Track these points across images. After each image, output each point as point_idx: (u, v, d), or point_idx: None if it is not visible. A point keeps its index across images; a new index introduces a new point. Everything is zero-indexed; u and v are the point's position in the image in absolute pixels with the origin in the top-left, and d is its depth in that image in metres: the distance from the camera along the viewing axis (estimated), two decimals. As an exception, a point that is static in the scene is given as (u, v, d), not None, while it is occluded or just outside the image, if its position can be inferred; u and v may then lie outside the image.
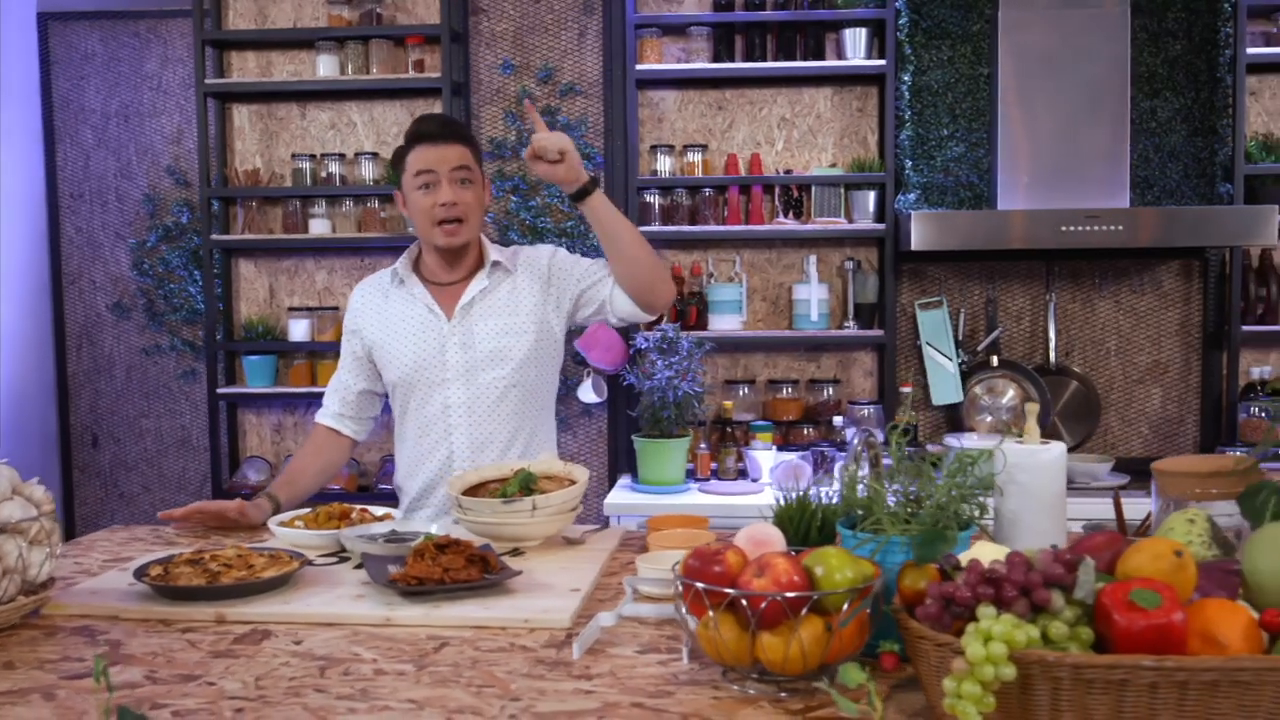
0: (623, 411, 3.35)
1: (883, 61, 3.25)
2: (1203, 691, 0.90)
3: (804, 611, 1.06)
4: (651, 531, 1.70)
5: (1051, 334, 3.34)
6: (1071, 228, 2.93)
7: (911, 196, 3.29)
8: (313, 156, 3.49)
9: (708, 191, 3.35)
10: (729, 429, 3.20)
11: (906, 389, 3.31)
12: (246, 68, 3.57)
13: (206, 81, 3.40)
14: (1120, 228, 2.93)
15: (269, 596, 1.43)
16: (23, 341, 3.59)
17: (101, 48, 3.64)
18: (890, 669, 1.04)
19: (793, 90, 3.43)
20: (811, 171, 3.40)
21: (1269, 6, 3.23)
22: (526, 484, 1.74)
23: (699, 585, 1.09)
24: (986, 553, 1.09)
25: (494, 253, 2.11)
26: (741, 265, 3.45)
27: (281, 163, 3.58)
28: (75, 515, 3.72)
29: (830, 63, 3.29)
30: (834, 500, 1.39)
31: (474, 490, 1.81)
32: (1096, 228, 2.93)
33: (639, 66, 3.30)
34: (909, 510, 1.21)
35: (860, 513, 1.26)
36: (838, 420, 3.24)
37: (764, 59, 3.32)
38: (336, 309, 3.53)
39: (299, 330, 3.46)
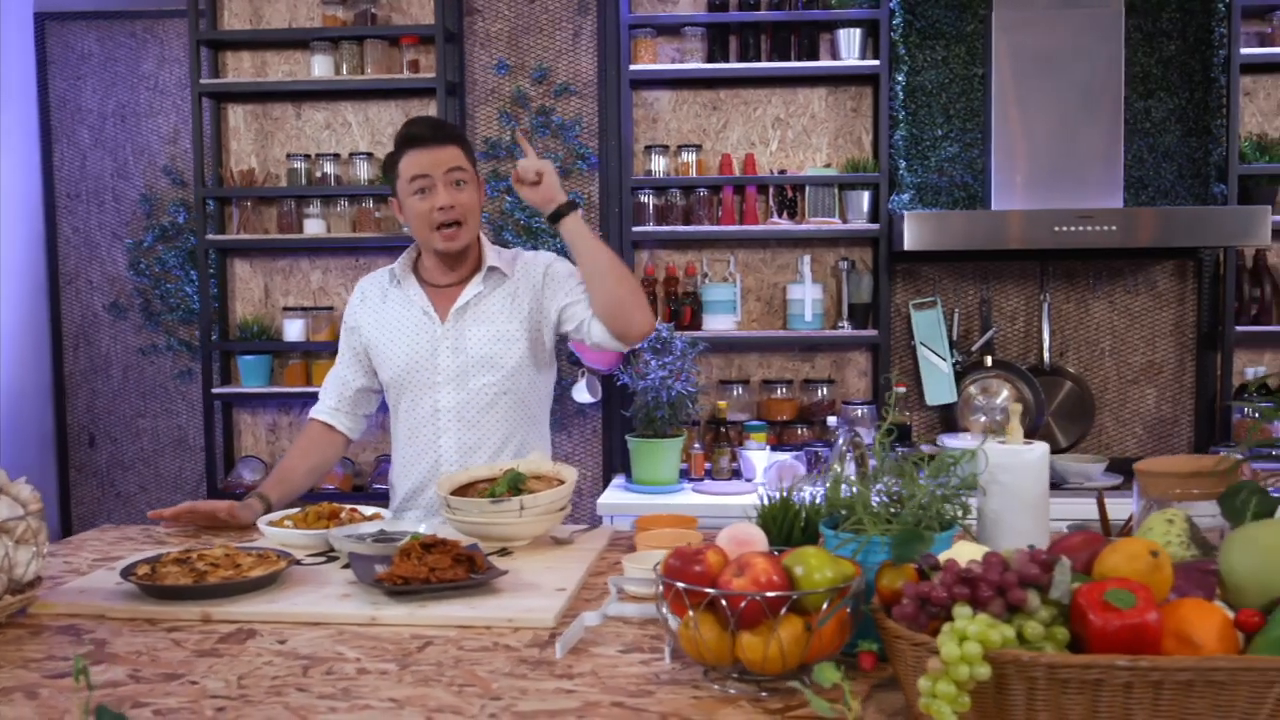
0: (617, 411, 3.35)
1: (877, 62, 3.25)
2: (1178, 691, 0.90)
3: (783, 611, 1.06)
4: (640, 531, 1.71)
5: (1046, 334, 3.34)
6: (1066, 228, 2.93)
7: (906, 197, 3.30)
8: (308, 156, 3.49)
9: (702, 191, 3.36)
10: (723, 429, 3.21)
11: (901, 389, 3.31)
12: (242, 68, 3.57)
13: (202, 81, 3.41)
14: (1114, 228, 2.93)
15: (255, 596, 1.43)
16: (19, 341, 3.60)
17: (98, 48, 3.64)
18: (868, 668, 1.04)
19: (787, 90, 3.43)
20: (806, 172, 3.40)
21: (1263, 7, 3.23)
22: (515, 484, 1.75)
23: (679, 585, 1.10)
24: (966, 552, 1.10)
25: (492, 256, 2.09)
26: (736, 265, 3.46)
27: (276, 163, 3.58)
28: (72, 515, 3.73)
29: (824, 63, 3.30)
30: (818, 500, 1.39)
31: (463, 490, 1.81)
32: (1091, 228, 2.93)
33: (633, 67, 3.30)
34: (891, 510, 1.22)
35: (844, 512, 1.26)
36: (832, 420, 3.24)
37: (758, 59, 3.33)
38: (331, 309, 3.54)
39: (294, 330, 3.47)
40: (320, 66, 3.41)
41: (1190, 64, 3.27)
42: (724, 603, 1.07)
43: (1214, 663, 0.89)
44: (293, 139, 3.58)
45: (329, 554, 1.68)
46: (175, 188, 3.64)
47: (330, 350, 3.42)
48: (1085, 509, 2.58)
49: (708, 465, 3.16)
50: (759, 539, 1.25)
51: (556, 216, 2.01)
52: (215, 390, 3.48)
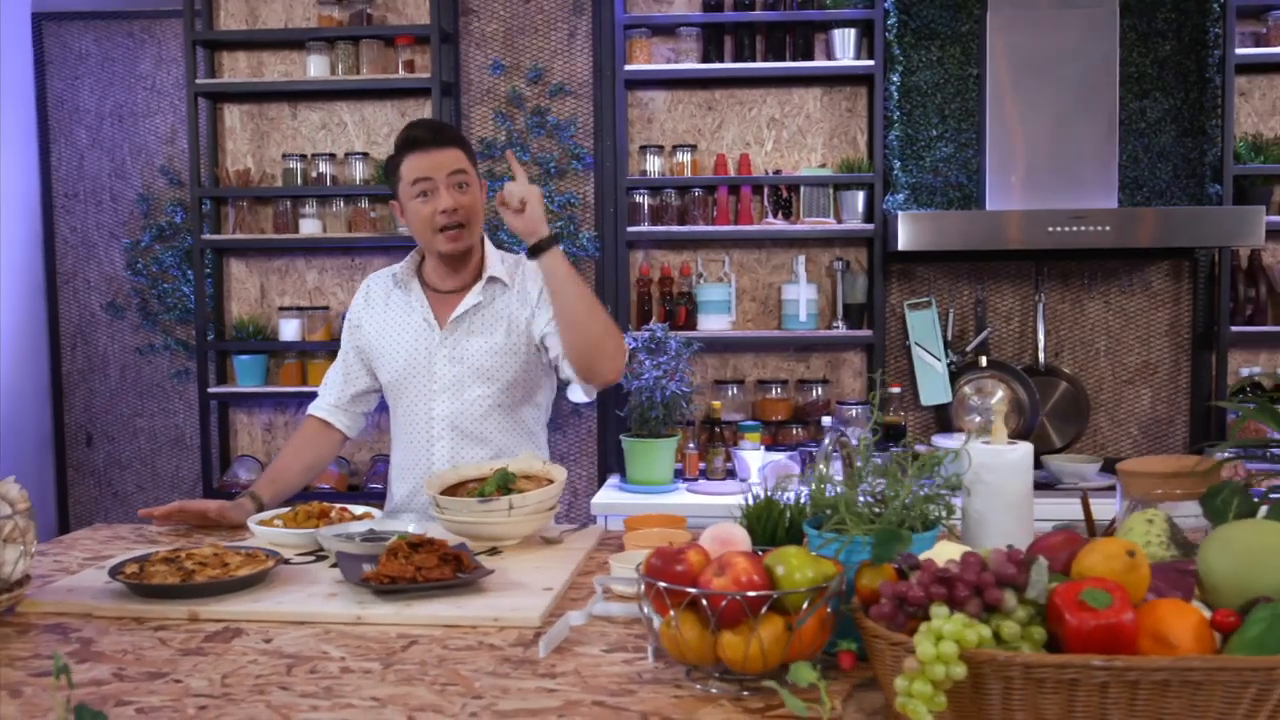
0: (612, 411, 3.36)
1: (871, 62, 3.25)
2: (1153, 691, 0.90)
3: (763, 611, 1.06)
4: (629, 531, 1.71)
5: (1041, 334, 3.34)
6: (1060, 228, 2.93)
7: (900, 197, 3.30)
8: (303, 156, 3.50)
9: (697, 192, 3.36)
10: (718, 429, 3.21)
11: (896, 389, 3.31)
12: (238, 68, 3.58)
13: (198, 81, 3.41)
14: (1109, 228, 2.93)
15: (242, 595, 1.43)
16: (17, 341, 3.61)
17: (96, 48, 3.65)
18: (848, 668, 1.05)
19: (782, 90, 3.43)
20: (800, 172, 3.40)
21: (1258, 7, 3.23)
22: (504, 483, 1.75)
23: (660, 584, 1.10)
24: (946, 552, 1.10)
25: (494, 264, 2.07)
26: (730, 265, 3.46)
27: (272, 163, 3.59)
28: (70, 514, 3.74)
29: (819, 63, 3.30)
30: (803, 500, 1.40)
31: (453, 490, 1.81)
32: (1085, 228, 2.93)
33: (628, 67, 3.31)
34: (875, 510, 1.22)
35: (828, 512, 1.26)
36: (826, 420, 3.24)
37: (753, 59, 3.33)
38: (327, 308, 3.54)
39: (289, 330, 3.48)
40: (316, 67, 3.42)
41: (1185, 64, 3.27)
42: (705, 602, 1.07)
43: (1189, 663, 0.90)
44: (288, 139, 3.59)
45: (318, 553, 1.69)
46: (172, 188, 3.64)
47: (326, 350, 3.44)
48: (1079, 510, 2.59)
49: (702, 465, 3.17)
50: (742, 539, 1.25)
51: (536, 250, 1.90)
52: (211, 390, 3.49)
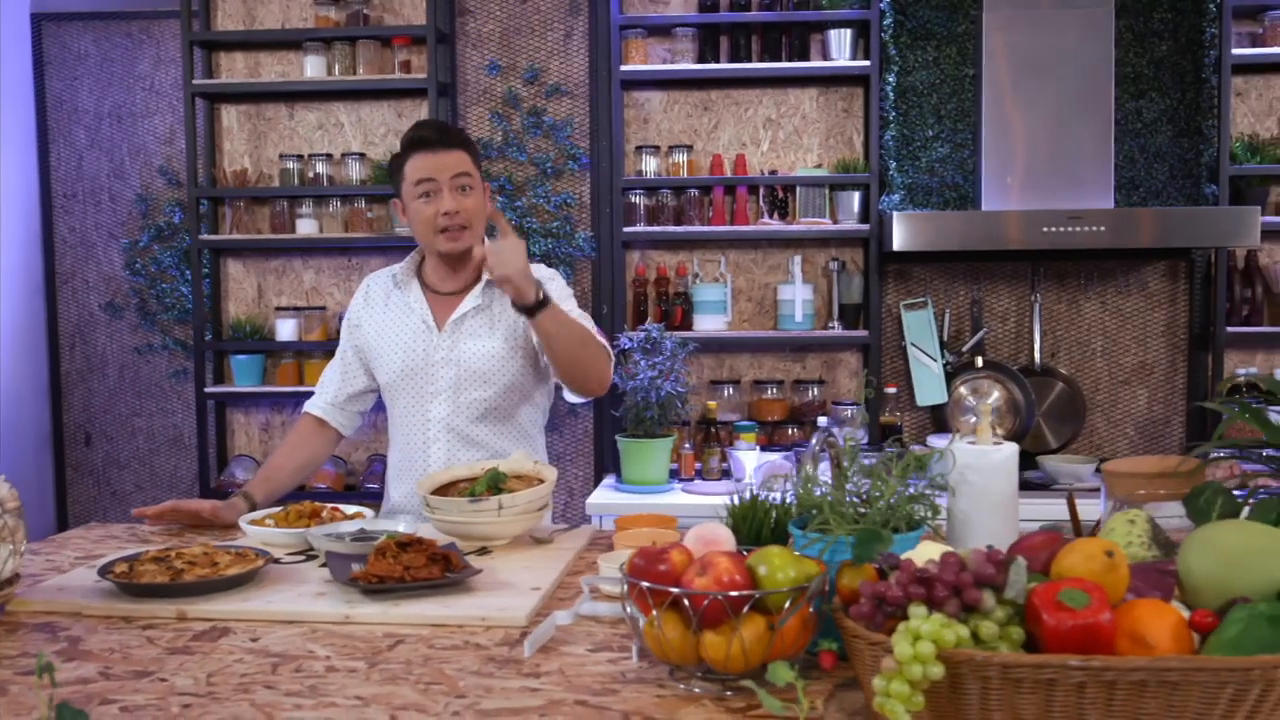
0: (608, 411, 3.36)
1: (867, 62, 3.25)
2: (1131, 691, 0.90)
3: (745, 610, 1.07)
4: (619, 530, 1.71)
5: (1037, 335, 3.34)
6: (1056, 228, 2.93)
7: (896, 197, 3.30)
8: (300, 157, 3.51)
9: (693, 192, 3.36)
10: (713, 429, 3.21)
11: (892, 389, 3.31)
12: (235, 68, 3.59)
13: (195, 82, 3.42)
14: (1105, 228, 2.93)
15: (231, 594, 1.44)
16: (16, 341, 3.61)
17: (94, 48, 3.66)
18: (829, 668, 1.05)
19: (778, 91, 3.43)
20: (796, 172, 3.41)
21: (1254, 7, 3.23)
22: (494, 483, 1.76)
23: (643, 584, 1.10)
24: (928, 552, 1.10)
25: None
26: (726, 266, 3.46)
27: (269, 163, 3.60)
28: (68, 514, 3.75)
29: (815, 63, 3.30)
30: (789, 500, 1.40)
31: (444, 489, 1.82)
32: (1081, 228, 2.93)
33: (624, 67, 3.31)
34: (860, 510, 1.22)
35: (813, 512, 1.27)
36: (822, 421, 3.24)
37: (749, 60, 3.33)
38: (324, 308, 3.55)
39: (286, 330, 3.48)
40: (313, 67, 3.42)
41: (1181, 64, 3.27)
42: (687, 602, 1.07)
43: (1167, 663, 0.90)
44: (285, 139, 3.59)
45: (308, 553, 1.69)
46: (171, 188, 3.65)
47: (322, 350, 3.45)
48: (1072, 509, 2.59)
49: (698, 465, 3.17)
50: (726, 538, 1.25)
51: (524, 312, 1.86)
52: (208, 390, 3.50)
